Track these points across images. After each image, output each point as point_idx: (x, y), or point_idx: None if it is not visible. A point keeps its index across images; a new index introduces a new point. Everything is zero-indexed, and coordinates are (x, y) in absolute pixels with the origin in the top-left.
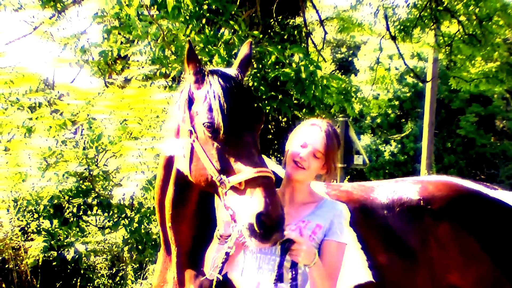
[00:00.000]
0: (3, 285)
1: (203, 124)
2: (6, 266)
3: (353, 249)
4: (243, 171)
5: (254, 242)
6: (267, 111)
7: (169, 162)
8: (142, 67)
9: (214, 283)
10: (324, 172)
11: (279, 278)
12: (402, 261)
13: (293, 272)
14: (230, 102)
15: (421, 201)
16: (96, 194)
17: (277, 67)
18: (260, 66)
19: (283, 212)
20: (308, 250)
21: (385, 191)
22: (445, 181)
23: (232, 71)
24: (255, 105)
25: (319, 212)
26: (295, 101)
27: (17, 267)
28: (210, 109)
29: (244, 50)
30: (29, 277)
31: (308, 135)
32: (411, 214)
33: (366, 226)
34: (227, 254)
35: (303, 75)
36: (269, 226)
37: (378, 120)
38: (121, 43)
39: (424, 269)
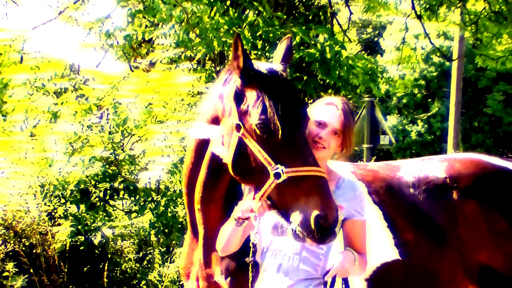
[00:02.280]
0: (31, 270)
1: (257, 125)
2: (34, 251)
3: (379, 227)
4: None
5: (307, 241)
6: None
7: (202, 145)
8: (167, 50)
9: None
10: (340, 150)
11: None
12: (429, 240)
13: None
14: (283, 103)
15: (448, 179)
16: (123, 179)
17: (301, 48)
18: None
19: (337, 214)
20: (349, 261)
21: (411, 170)
22: (472, 159)
23: (279, 67)
24: (301, 101)
25: (339, 192)
26: (321, 82)
27: (44, 252)
28: (264, 110)
29: (284, 43)
30: (56, 262)
31: (325, 114)
32: (438, 192)
33: (392, 205)
34: (254, 245)
35: (328, 56)
36: (325, 229)
37: (405, 100)
38: (146, 26)
39: (452, 248)
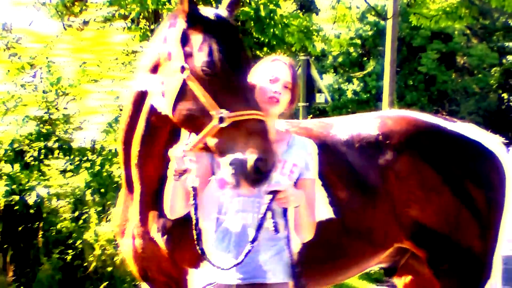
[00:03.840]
0: None
1: (202, 67)
2: None
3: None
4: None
5: (243, 185)
6: None
7: (140, 98)
8: (100, 9)
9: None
10: (289, 105)
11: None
12: (362, 197)
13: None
14: (228, 47)
15: (380, 136)
16: (57, 138)
17: None
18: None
19: (275, 159)
20: (295, 195)
21: (345, 127)
22: (404, 116)
23: (224, 12)
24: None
25: (292, 150)
26: (256, 40)
27: None
28: (210, 53)
29: None
30: None
31: (275, 69)
32: (371, 149)
33: (326, 163)
34: (194, 188)
35: (263, 14)
36: (263, 172)
37: (340, 59)
38: None
39: (384, 204)
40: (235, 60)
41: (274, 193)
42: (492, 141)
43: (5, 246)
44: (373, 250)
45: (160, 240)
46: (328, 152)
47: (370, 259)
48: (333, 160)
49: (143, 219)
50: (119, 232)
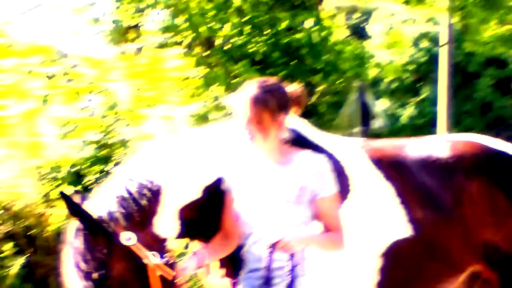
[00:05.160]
0: (29, 251)
1: None
2: (29, 233)
3: (392, 204)
4: None
5: None
6: (282, 76)
7: None
8: (155, 35)
9: None
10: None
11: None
12: (437, 218)
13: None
14: None
15: (452, 159)
16: (115, 162)
17: (288, 33)
18: (273, 32)
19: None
20: (295, 239)
21: (416, 148)
22: (474, 141)
23: None
24: None
25: (297, 170)
26: (310, 67)
27: (41, 233)
28: None
29: None
30: (52, 243)
31: (238, 106)
32: (443, 171)
33: (401, 182)
34: None
35: (315, 40)
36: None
37: (394, 85)
38: (133, 12)
39: (458, 226)
40: None
41: (273, 245)
42: None
43: None
44: (450, 272)
45: None
46: (402, 171)
47: (447, 282)
48: (408, 180)
49: None
50: None
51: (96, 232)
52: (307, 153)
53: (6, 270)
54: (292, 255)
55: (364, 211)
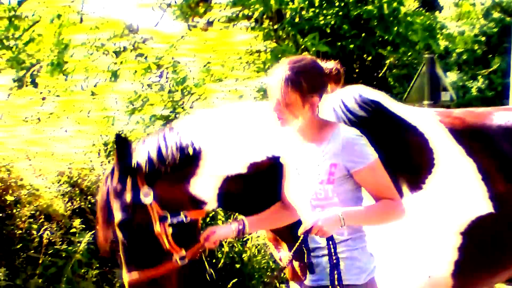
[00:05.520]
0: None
1: None
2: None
3: (474, 180)
4: None
5: None
6: (351, 49)
7: None
8: (224, 9)
9: None
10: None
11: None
12: None
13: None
14: None
15: None
16: None
17: (359, 4)
18: (342, 4)
19: None
20: (327, 222)
21: (500, 118)
22: None
23: None
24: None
25: (329, 148)
26: (379, 39)
27: None
28: None
29: None
30: None
31: (269, 88)
32: None
33: (484, 155)
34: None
35: (386, 12)
36: None
37: (464, 56)
38: None
39: None
40: None
41: (307, 232)
42: None
43: None
44: None
45: None
46: (486, 143)
47: None
48: (491, 152)
49: None
50: None
51: (126, 176)
52: (339, 129)
53: (75, 246)
54: (330, 238)
55: (447, 187)
